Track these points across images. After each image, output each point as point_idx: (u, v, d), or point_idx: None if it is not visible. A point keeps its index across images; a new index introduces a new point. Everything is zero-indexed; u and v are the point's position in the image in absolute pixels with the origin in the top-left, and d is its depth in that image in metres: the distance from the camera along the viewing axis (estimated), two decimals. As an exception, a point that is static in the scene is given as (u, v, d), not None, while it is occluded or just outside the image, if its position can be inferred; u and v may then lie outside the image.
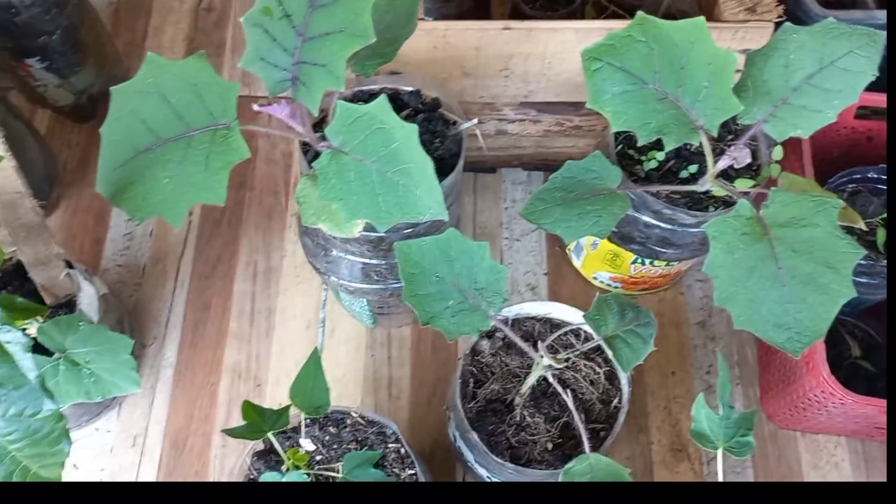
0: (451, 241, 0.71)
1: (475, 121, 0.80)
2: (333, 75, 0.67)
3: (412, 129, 0.65)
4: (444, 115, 0.84)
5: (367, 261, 0.85)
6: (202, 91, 0.73)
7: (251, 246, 1.08)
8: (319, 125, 0.81)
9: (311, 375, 0.66)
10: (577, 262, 1.06)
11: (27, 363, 0.59)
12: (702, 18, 0.72)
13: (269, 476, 0.64)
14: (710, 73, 0.73)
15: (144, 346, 1.01)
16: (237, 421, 0.97)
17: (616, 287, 1.04)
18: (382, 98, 0.66)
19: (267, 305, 1.04)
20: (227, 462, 0.95)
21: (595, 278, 1.05)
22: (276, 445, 0.71)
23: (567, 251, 1.08)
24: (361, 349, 1.02)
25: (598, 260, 1.00)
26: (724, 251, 0.71)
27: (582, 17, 1.06)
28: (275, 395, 0.99)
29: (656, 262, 0.95)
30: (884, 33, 0.71)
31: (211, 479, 0.94)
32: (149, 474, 0.94)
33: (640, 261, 0.95)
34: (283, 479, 0.63)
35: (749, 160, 0.75)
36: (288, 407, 0.67)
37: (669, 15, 1.05)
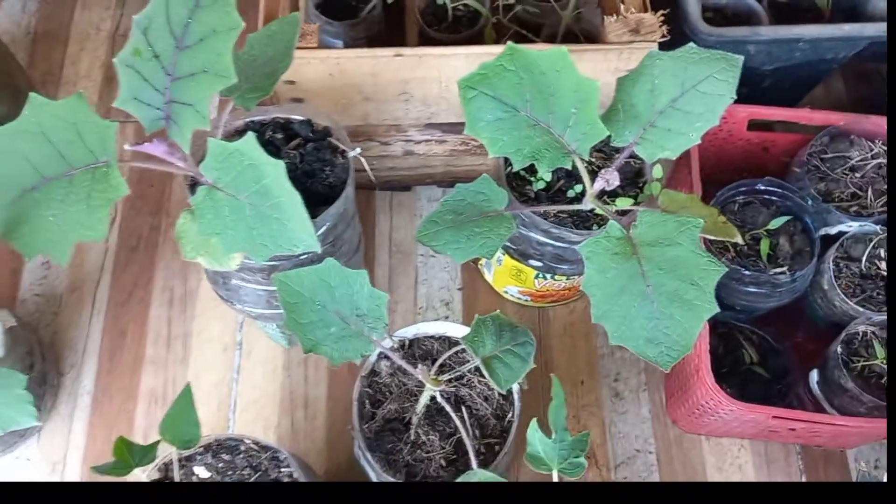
0: (330, 270, 0.74)
1: (357, 150, 0.82)
2: (200, 115, 0.69)
3: (280, 166, 0.67)
4: (333, 143, 0.86)
5: (264, 287, 0.87)
6: (82, 130, 0.74)
7: (168, 271, 1.10)
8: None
9: (182, 411, 0.68)
10: (488, 277, 1.09)
11: None
12: (564, 48, 0.74)
13: None
14: (577, 99, 0.75)
15: (62, 375, 1.03)
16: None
17: (526, 300, 1.07)
18: (250, 135, 0.68)
19: (183, 330, 1.06)
20: (143, 487, 0.96)
21: (506, 292, 1.07)
22: (176, 472, 0.74)
23: (480, 266, 1.10)
24: (278, 370, 1.04)
25: (505, 275, 1.03)
26: (598, 270, 0.74)
27: (482, 39, 1.08)
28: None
29: (556, 277, 0.97)
30: (741, 58, 0.74)
31: (125, 506, 0.95)
32: (64, 503, 0.95)
33: (541, 276, 0.98)
34: None
35: (617, 182, 0.78)
36: (156, 443, 0.69)
37: (573, 34, 1.08)
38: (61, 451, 0.99)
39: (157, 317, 1.07)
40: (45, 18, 1.27)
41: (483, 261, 1.08)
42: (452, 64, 0.95)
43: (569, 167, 0.77)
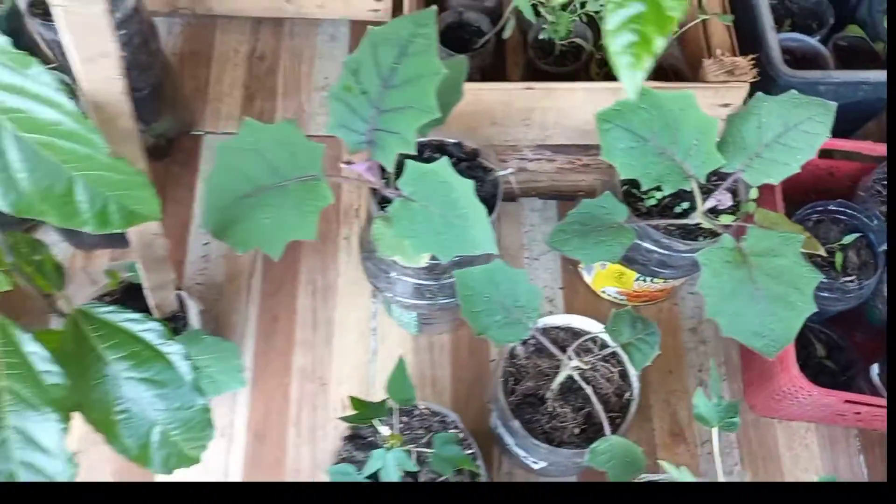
0: (496, 269, 0.90)
1: (510, 170, 0.99)
2: (406, 141, 0.86)
3: (468, 184, 0.84)
4: (482, 163, 1.02)
5: (421, 282, 1.04)
6: (294, 149, 0.92)
7: (310, 266, 1.26)
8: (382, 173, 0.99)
9: (400, 377, 0.85)
10: (587, 278, 1.25)
11: (184, 368, 0.78)
12: (690, 92, 0.91)
13: (377, 456, 0.82)
14: (698, 132, 0.92)
15: (224, 353, 1.20)
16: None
17: (622, 299, 1.24)
18: (445, 159, 0.85)
19: (326, 317, 1.23)
20: (303, 449, 1.13)
21: (603, 292, 1.24)
22: (383, 428, 0.90)
23: (579, 269, 1.27)
24: (408, 353, 1.21)
25: (606, 277, 1.19)
26: (712, 275, 0.90)
27: (587, 71, 1.25)
28: (338, 392, 1.17)
29: (655, 280, 1.14)
30: (835, 104, 0.91)
31: (289, 463, 1.12)
32: (237, 458, 1.12)
33: (641, 278, 1.14)
34: (387, 455, 0.81)
35: (730, 202, 0.94)
36: (385, 401, 0.86)
37: (661, 69, 1.24)
38: (228, 417, 1.16)
39: (303, 305, 1.23)
40: (189, 41, 1.44)
41: (584, 264, 1.25)
42: (574, 96, 1.11)
43: (688, 189, 0.93)
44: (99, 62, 0.59)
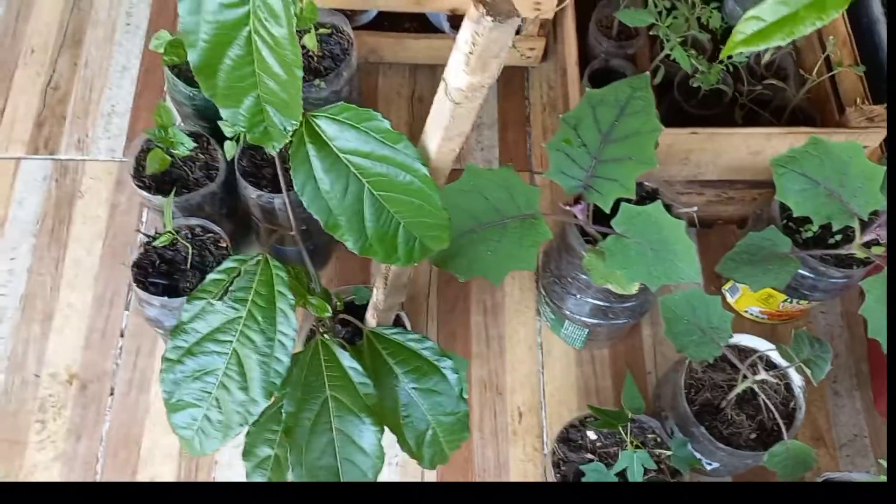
0: (695, 296, 1.05)
1: (695, 209, 1.14)
2: (625, 188, 1.01)
3: (680, 224, 0.99)
4: (662, 200, 1.17)
5: (608, 304, 1.19)
6: (512, 191, 1.07)
7: (479, 288, 1.42)
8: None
9: (631, 390, 1.00)
10: (730, 299, 1.40)
11: (454, 380, 0.93)
12: (858, 143, 1.06)
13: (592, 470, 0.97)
14: (864, 178, 1.07)
15: (410, 365, 1.35)
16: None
17: (763, 318, 1.38)
18: (658, 203, 1.00)
19: (497, 333, 1.38)
20: (487, 451, 1.28)
21: (746, 311, 1.39)
22: (628, 433, 1.05)
23: (723, 290, 1.41)
24: (572, 366, 1.36)
25: (753, 298, 1.34)
26: (875, 301, 1.05)
27: (731, 114, 1.39)
28: (513, 401, 1.33)
29: (801, 301, 1.28)
30: None
31: (477, 463, 1.27)
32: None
33: (788, 300, 1.29)
34: (633, 456, 0.96)
35: (884, 236, 1.08)
36: (621, 409, 1.01)
37: (794, 111, 1.38)
38: (419, 422, 1.31)
39: (476, 322, 1.39)
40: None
41: (728, 285, 1.40)
42: (731, 139, 1.26)
43: (854, 226, 1.08)
44: (455, 139, 0.75)
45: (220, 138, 1.19)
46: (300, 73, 0.70)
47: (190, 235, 1.09)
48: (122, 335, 1.34)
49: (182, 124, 1.24)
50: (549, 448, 1.10)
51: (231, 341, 0.81)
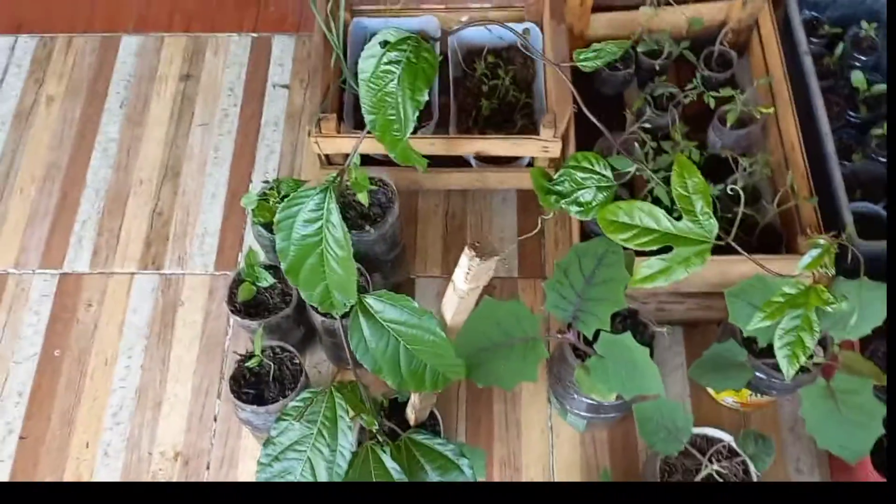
0: (662, 403, 1.34)
1: (666, 329, 1.43)
2: (602, 322, 1.31)
3: (645, 350, 1.29)
4: (641, 320, 1.47)
5: (591, 401, 1.48)
6: (519, 319, 1.38)
7: (501, 380, 1.72)
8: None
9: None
10: (710, 390, 1.68)
11: (469, 474, 1.24)
12: (791, 280, 1.34)
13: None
14: (798, 307, 1.34)
15: (444, 445, 1.66)
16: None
17: (737, 406, 1.65)
18: (628, 334, 1.30)
19: (515, 418, 1.68)
20: (507, 518, 1.58)
21: (724, 401, 1.66)
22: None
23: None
24: (576, 445, 1.65)
25: (727, 391, 1.62)
26: (811, 405, 1.32)
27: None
28: (528, 476, 1.62)
29: (764, 396, 1.56)
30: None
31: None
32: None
33: (754, 394, 1.56)
34: None
35: (821, 352, 1.36)
36: None
37: (767, 229, 1.66)
38: (451, 493, 1.61)
39: (498, 410, 1.69)
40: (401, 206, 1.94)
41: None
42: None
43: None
44: (462, 314, 1.07)
45: (293, 270, 1.53)
46: (354, 274, 1.03)
47: (272, 354, 1.43)
48: (215, 420, 1.69)
49: (264, 258, 1.59)
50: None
51: (306, 451, 1.14)
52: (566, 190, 1.14)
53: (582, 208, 1.15)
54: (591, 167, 1.11)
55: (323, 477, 1.12)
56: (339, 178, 1.02)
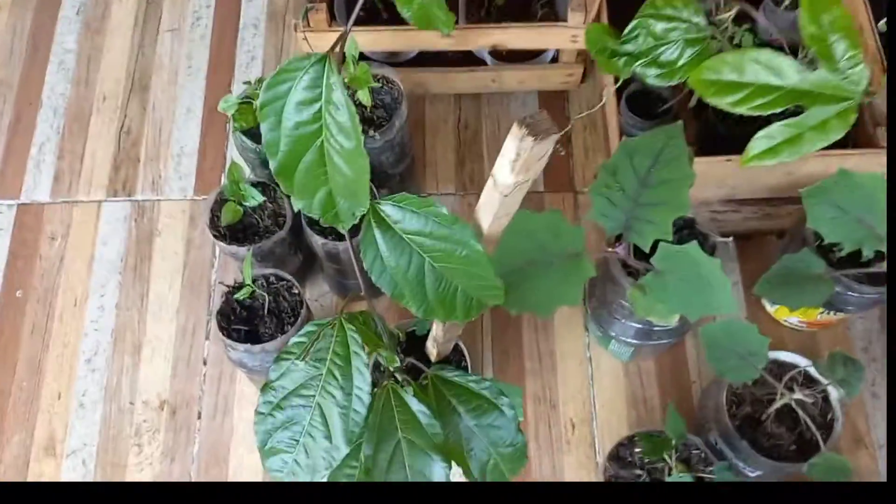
0: (733, 324, 1.13)
1: (730, 239, 1.21)
2: (662, 230, 1.09)
3: (716, 262, 1.07)
4: (699, 229, 1.25)
5: (651, 328, 1.27)
6: (560, 232, 1.15)
7: (529, 306, 1.51)
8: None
9: (674, 419, 1.09)
10: (770, 309, 1.47)
11: (511, 415, 1.03)
12: (879, 174, 1.11)
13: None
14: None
15: (468, 383, 1.46)
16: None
17: (801, 327, 1.45)
18: (694, 243, 1.08)
19: (548, 349, 1.48)
20: (544, 460, 1.39)
21: (785, 321, 1.45)
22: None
23: (762, 300, 1.48)
24: (620, 377, 1.45)
25: (790, 309, 1.41)
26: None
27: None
28: (566, 413, 1.42)
29: (837, 314, 1.35)
30: None
31: (534, 471, 1.37)
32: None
33: (826, 312, 1.35)
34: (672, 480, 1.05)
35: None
36: (668, 437, 1.10)
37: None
38: (478, 436, 1.42)
39: (528, 340, 1.49)
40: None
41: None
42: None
43: (883, 250, 1.14)
44: (503, 219, 0.84)
45: (286, 186, 1.30)
46: (367, 172, 0.80)
47: (265, 284, 1.21)
48: (204, 363, 1.47)
49: (251, 175, 1.35)
50: (601, 463, 1.20)
51: (314, 395, 0.92)
52: (641, 48, 0.89)
53: (664, 70, 0.90)
54: (675, 14, 0.86)
55: (337, 426, 0.91)
56: (339, 45, 0.78)
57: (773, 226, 1.48)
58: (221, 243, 1.26)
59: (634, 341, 1.32)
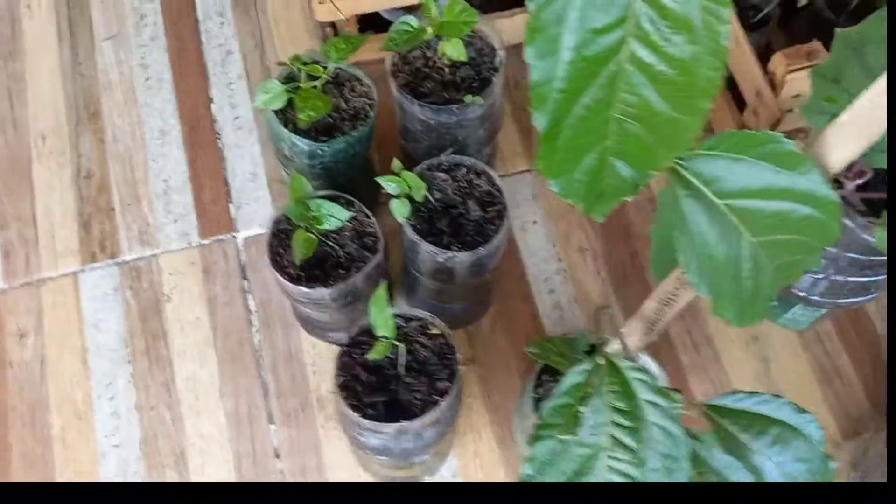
0: None
1: None
2: None
3: None
4: None
5: (846, 282, 0.99)
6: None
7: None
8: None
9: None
10: None
11: (818, 437, 0.73)
12: None
13: None
14: None
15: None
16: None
17: None
18: None
19: (702, 334, 1.18)
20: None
21: None
22: None
23: None
24: (798, 350, 1.17)
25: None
26: None
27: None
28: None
29: None
30: None
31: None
32: None
33: None
34: None
35: None
36: None
37: None
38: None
39: (676, 327, 1.18)
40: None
41: None
42: None
43: None
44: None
45: (361, 196, 0.95)
46: (707, 104, 0.47)
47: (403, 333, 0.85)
48: (276, 455, 1.10)
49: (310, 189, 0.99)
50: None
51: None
52: None
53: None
54: None
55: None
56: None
57: None
58: (304, 289, 0.89)
59: (824, 300, 1.04)
